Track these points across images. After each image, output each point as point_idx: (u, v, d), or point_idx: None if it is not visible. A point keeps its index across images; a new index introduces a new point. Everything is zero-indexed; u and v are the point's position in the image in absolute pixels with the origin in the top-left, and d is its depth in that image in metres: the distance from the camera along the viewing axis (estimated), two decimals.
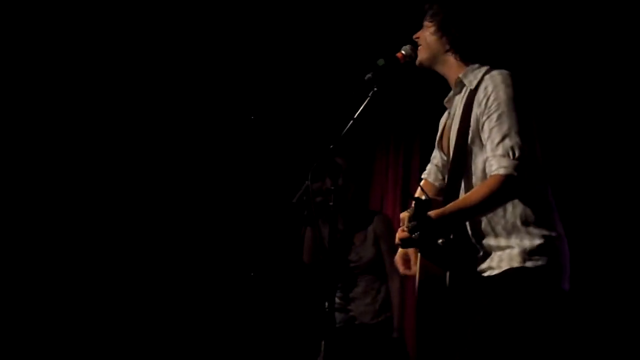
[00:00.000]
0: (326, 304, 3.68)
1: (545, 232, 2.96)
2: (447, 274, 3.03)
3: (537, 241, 2.94)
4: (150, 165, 6.38)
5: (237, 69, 6.49)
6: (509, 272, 2.94)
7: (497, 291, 2.95)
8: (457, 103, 3.17)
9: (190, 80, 6.48)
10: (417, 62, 3.29)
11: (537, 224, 2.97)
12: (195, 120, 6.52)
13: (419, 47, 3.26)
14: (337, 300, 4.94)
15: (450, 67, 3.20)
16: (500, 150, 2.88)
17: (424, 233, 2.79)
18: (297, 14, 6.25)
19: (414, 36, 3.28)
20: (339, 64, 6.21)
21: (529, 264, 2.92)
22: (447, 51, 3.19)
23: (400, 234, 2.91)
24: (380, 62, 3.32)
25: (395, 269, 4.75)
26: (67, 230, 6.13)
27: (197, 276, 6.35)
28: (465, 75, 3.14)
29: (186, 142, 6.50)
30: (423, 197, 2.76)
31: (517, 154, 2.85)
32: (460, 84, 3.15)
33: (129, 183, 6.33)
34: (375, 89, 3.33)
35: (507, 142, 2.87)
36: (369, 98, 3.34)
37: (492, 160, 2.90)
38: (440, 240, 3.00)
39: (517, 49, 5.42)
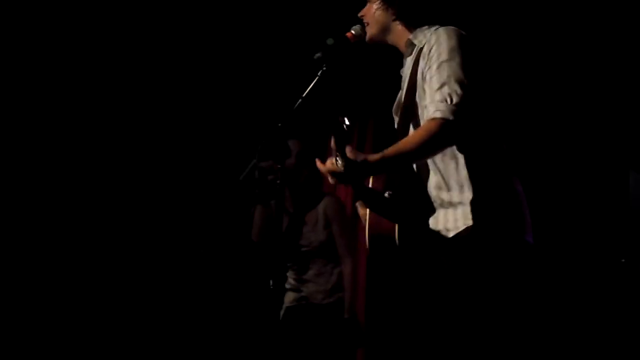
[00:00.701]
0: (271, 282, 3.67)
1: (499, 187, 2.98)
2: (396, 229, 3.00)
3: (492, 195, 2.95)
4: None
5: (190, 45, 6.45)
6: (466, 232, 2.94)
7: (457, 254, 2.95)
8: (408, 63, 3.19)
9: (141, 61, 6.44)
10: (367, 39, 3.31)
11: (491, 178, 2.99)
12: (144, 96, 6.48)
13: (367, 24, 3.27)
14: (290, 280, 4.94)
15: (401, 35, 3.22)
16: (438, 96, 2.88)
17: (354, 172, 2.75)
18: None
19: (359, 14, 3.30)
20: (290, 43, 6.21)
21: (485, 220, 2.93)
22: (394, 20, 3.21)
23: (329, 166, 2.81)
24: (330, 41, 3.32)
25: (348, 252, 4.82)
26: (53, 231, 6.13)
27: (151, 258, 6.33)
28: (415, 35, 3.17)
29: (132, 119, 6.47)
30: (345, 124, 2.70)
31: (454, 100, 2.85)
32: (411, 45, 3.17)
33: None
34: (325, 68, 3.32)
35: (445, 89, 2.88)
36: (318, 77, 3.33)
37: (430, 105, 2.90)
38: (387, 193, 3.01)
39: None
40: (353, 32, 3.32)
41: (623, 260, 5.44)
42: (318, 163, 2.88)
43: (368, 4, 3.29)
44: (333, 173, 2.80)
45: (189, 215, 6.28)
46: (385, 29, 3.25)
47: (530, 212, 3.04)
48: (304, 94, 3.36)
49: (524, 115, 5.84)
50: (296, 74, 3.72)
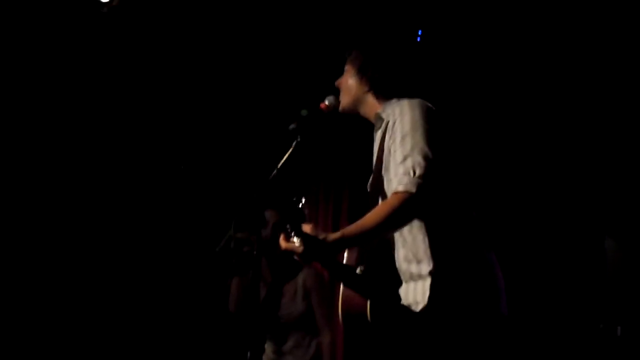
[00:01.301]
0: (248, 354, 3.63)
1: (469, 257, 2.94)
2: (368, 305, 2.96)
3: (461, 266, 2.91)
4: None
5: (164, 118, 6.49)
6: (436, 305, 2.90)
7: (427, 328, 2.91)
8: (378, 138, 3.20)
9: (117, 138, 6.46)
10: (340, 109, 3.33)
11: (461, 249, 2.95)
12: (126, 168, 6.48)
13: (341, 93, 3.30)
14: (268, 353, 4.89)
15: (372, 107, 3.25)
16: (401, 169, 2.87)
17: (312, 251, 2.76)
18: (224, 64, 6.27)
19: (336, 83, 3.33)
20: (265, 115, 6.25)
21: (455, 292, 2.89)
22: (367, 92, 3.25)
23: (285, 245, 2.85)
24: (304, 112, 3.35)
25: (327, 323, 4.77)
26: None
27: (126, 324, 6.26)
28: (384, 109, 3.19)
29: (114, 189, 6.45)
30: (299, 203, 2.73)
31: (417, 173, 2.84)
32: (380, 119, 3.18)
33: None
34: (299, 139, 3.33)
35: (409, 162, 2.87)
36: (292, 148, 3.35)
37: (394, 179, 2.90)
38: (359, 269, 2.99)
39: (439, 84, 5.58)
40: (327, 102, 3.35)
41: (601, 325, 5.43)
42: (281, 240, 2.87)
43: (344, 73, 3.32)
44: (293, 250, 2.82)
45: (167, 287, 6.23)
46: (357, 100, 3.28)
47: (505, 281, 3.02)
48: (279, 165, 3.36)
49: (499, 181, 5.89)
50: (271, 145, 3.74)
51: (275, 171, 3.35)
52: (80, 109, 6.31)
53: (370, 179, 3.27)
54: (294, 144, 3.35)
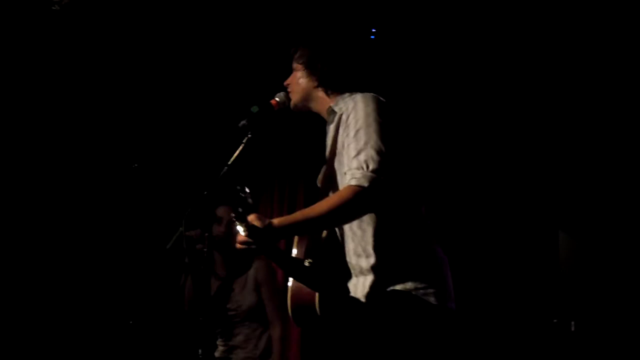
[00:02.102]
0: (200, 351, 3.61)
1: (418, 252, 2.94)
2: (317, 299, 2.95)
3: (411, 261, 2.92)
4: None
5: (116, 116, 6.45)
6: (380, 299, 2.90)
7: (374, 322, 2.90)
8: (331, 132, 3.19)
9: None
10: (291, 106, 3.32)
11: (409, 244, 2.95)
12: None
13: (290, 91, 3.29)
14: (220, 348, 4.86)
15: (323, 102, 3.24)
16: (354, 164, 2.87)
17: (259, 238, 2.75)
18: (174, 61, 6.25)
19: (285, 82, 3.31)
20: (216, 110, 6.23)
21: (404, 285, 2.89)
22: (316, 87, 3.24)
23: (239, 237, 2.82)
24: (255, 109, 3.32)
25: (278, 316, 4.76)
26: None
27: (78, 324, 6.22)
28: (336, 103, 3.17)
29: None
30: (243, 192, 2.70)
31: (370, 167, 2.84)
32: (333, 113, 3.17)
33: None
34: (250, 135, 3.31)
35: (362, 156, 2.87)
36: (243, 144, 3.32)
37: (348, 173, 2.89)
38: (307, 262, 2.98)
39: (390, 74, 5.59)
40: (277, 99, 3.33)
41: (555, 320, 5.47)
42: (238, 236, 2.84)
43: (293, 72, 3.31)
44: (242, 242, 2.80)
45: (119, 286, 6.19)
46: (308, 97, 3.27)
47: (460, 276, 3.03)
48: (230, 161, 3.34)
49: (452, 175, 5.91)
50: (221, 142, 3.72)
51: (226, 168, 3.33)
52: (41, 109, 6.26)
53: (321, 172, 3.27)
54: (244, 140, 3.33)
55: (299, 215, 2.84)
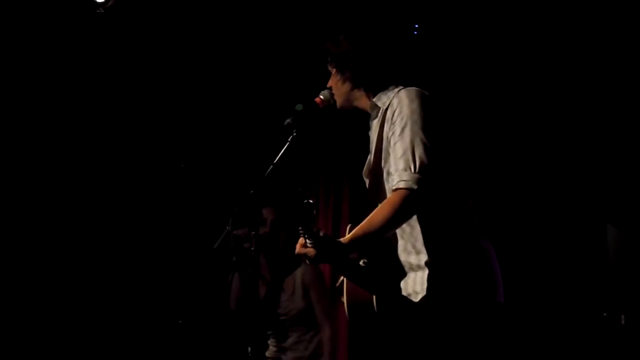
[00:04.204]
0: (249, 350, 3.63)
1: (466, 247, 2.94)
2: (374, 297, 2.97)
3: (458, 256, 2.91)
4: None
5: (162, 117, 6.49)
6: (433, 295, 2.91)
7: (426, 318, 2.91)
8: (374, 126, 3.19)
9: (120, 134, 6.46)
10: (338, 107, 3.31)
11: (458, 239, 2.95)
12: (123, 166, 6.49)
13: (334, 94, 3.29)
14: (271, 348, 4.89)
15: (365, 99, 3.23)
16: (401, 164, 2.87)
17: (325, 252, 2.77)
18: (219, 63, 6.27)
19: (328, 85, 3.31)
20: (261, 111, 6.25)
21: (452, 282, 2.89)
22: (354, 88, 3.23)
23: (299, 249, 2.85)
24: (299, 107, 3.32)
25: (326, 318, 4.77)
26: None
27: (127, 325, 6.26)
28: (378, 98, 3.16)
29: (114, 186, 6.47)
30: (309, 204, 2.71)
31: (417, 167, 2.84)
32: (375, 108, 3.17)
33: None
34: (295, 133, 3.30)
35: (409, 155, 2.87)
36: (288, 143, 3.32)
37: (394, 174, 2.89)
38: (362, 262, 2.99)
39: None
40: (322, 97, 3.32)
41: (605, 314, 5.42)
42: (298, 245, 2.87)
43: (331, 75, 3.31)
44: (305, 255, 2.82)
45: (166, 285, 6.23)
46: (349, 98, 3.26)
47: (508, 269, 3.02)
48: (275, 161, 3.34)
49: (501, 169, 5.87)
50: (267, 141, 3.73)
51: (271, 167, 3.33)
52: (82, 109, 6.31)
53: (366, 165, 3.27)
54: (289, 139, 3.32)
55: (360, 231, 2.85)
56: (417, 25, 5.76)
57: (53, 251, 6.16)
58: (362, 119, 3.35)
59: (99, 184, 6.39)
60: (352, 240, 2.83)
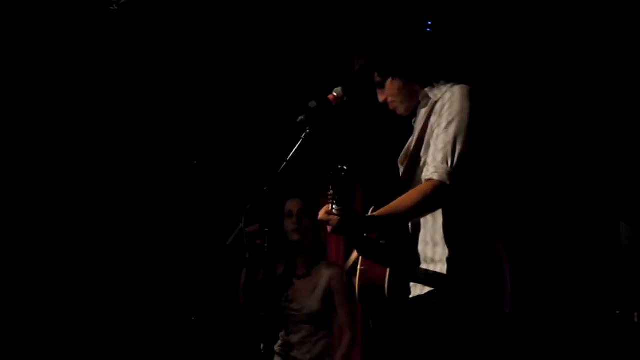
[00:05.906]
0: (262, 345, 3.63)
1: (482, 249, 2.96)
2: (387, 279, 2.97)
3: (473, 257, 2.94)
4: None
5: (175, 114, 6.51)
6: (441, 292, 2.93)
7: (431, 312, 2.94)
8: (421, 115, 3.20)
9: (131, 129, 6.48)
10: (404, 114, 3.29)
11: (476, 239, 2.98)
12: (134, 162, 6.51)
13: (393, 108, 3.27)
14: (279, 341, 4.88)
15: (417, 94, 3.22)
16: (439, 156, 2.90)
17: (348, 222, 2.77)
18: (233, 59, 6.28)
19: (380, 101, 3.29)
20: (275, 106, 6.25)
21: (462, 282, 2.91)
22: (405, 85, 3.21)
23: (322, 215, 2.84)
24: (312, 104, 3.32)
25: (350, 324, 4.76)
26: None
27: (140, 319, 6.29)
28: (431, 89, 3.17)
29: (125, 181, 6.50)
30: (343, 171, 2.71)
31: (454, 162, 2.87)
32: (426, 97, 3.17)
33: None
34: (308, 130, 3.31)
35: (449, 150, 2.90)
36: (301, 140, 3.32)
37: (431, 164, 2.92)
38: (381, 241, 3.00)
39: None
40: (335, 94, 3.32)
41: (618, 312, 5.41)
42: (321, 212, 2.87)
43: (379, 87, 3.28)
44: (328, 222, 2.81)
45: (179, 282, 6.25)
46: (408, 97, 3.23)
47: (520, 267, 3.02)
48: (288, 157, 3.35)
49: (512, 166, 5.86)
50: (280, 137, 3.73)
51: (284, 163, 3.34)
52: (95, 106, 6.33)
53: (404, 151, 3.30)
54: (302, 135, 3.33)
55: (385, 210, 2.87)
56: (430, 22, 5.75)
57: (64, 251, 6.17)
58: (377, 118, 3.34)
59: (112, 181, 6.41)
60: (378, 217, 2.85)
